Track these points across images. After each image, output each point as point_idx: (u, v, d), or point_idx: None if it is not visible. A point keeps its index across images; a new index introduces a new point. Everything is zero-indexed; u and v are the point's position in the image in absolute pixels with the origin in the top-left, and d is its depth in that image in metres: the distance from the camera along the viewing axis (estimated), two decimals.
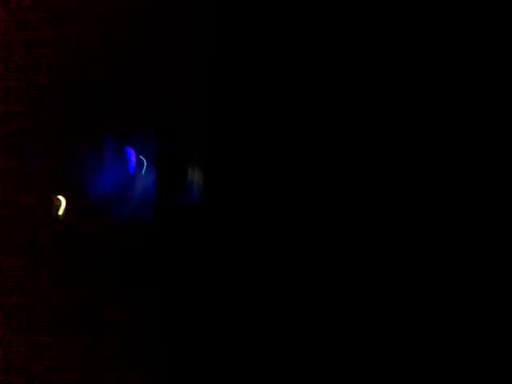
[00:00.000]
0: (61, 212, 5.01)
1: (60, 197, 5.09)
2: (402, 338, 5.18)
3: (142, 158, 5.16)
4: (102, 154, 5.13)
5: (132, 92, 5.20)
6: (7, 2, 5.29)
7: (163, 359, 5.07)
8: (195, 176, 5.13)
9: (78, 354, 5.04)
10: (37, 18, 5.16)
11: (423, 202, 5.45)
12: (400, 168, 5.49)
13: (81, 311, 5.18)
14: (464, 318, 5.16)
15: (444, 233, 5.37)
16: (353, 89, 5.56)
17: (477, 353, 5.05)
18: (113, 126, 5.14)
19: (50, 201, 5.03)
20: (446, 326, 5.18)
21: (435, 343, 5.15)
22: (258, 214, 4.99)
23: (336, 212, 5.52)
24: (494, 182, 5.31)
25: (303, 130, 5.61)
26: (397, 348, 5.13)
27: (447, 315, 5.20)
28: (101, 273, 4.91)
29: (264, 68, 5.58)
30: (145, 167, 5.19)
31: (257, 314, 5.10)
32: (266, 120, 5.61)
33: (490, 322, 5.11)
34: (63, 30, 5.03)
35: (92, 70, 5.14)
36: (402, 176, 5.47)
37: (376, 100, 5.54)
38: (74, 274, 4.92)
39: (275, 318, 5.13)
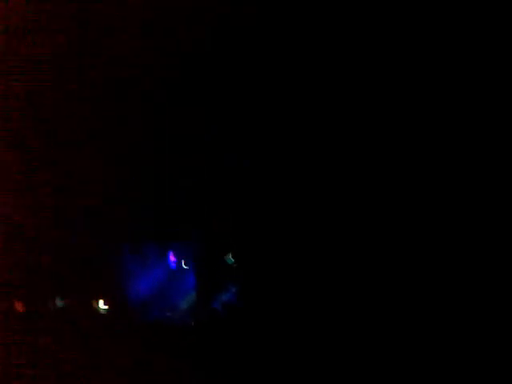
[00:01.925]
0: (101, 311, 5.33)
1: (99, 302, 5.41)
2: (402, 338, 5.18)
3: (182, 262, 5.44)
4: (143, 258, 5.41)
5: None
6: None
7: (162, 361, 5.07)
8: (234, 279, 5.37)
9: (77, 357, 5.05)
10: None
11: (423, 202, 5.45)
12: (400, 168, 5.50)
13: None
14: (464, 318, 5.16)
15: (444, 233, 5.37)
16: (352, 89, 5.56)
17: (477, 353, 5.05)
18: (154, 230, 5.40)
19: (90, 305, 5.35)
20: (446, 326, 5.18)
21: (435, 343, 5.15)
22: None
23: (336, 211, 5.52)
24: (494, 182, 5.31)
25: (303, 130, 5.61)
26: (397, 348, 5.13)
27: (447, 315, 5.20)
28: None
29: (264, 69, 5.59)
30: (184, 270, 5.46)
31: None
32: (265, 120, 5.62)
33: (490, 322, 5.11)
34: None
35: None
36: (401, 176, 5.47)
37: (376, 101, 5.54)
38: None
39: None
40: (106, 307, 5.34)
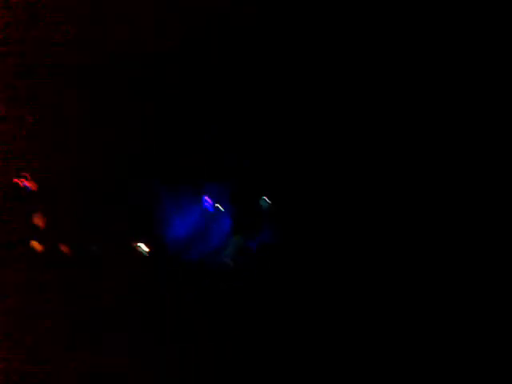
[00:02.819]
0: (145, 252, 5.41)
1: (141, 244, 5.47)
2: (402, 338, 5.18)
3: (217, 204, 5.53)
4: (179, 201, 5.50)
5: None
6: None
7: (163, 362, 5.08)
8: (268, 219, 5.49)
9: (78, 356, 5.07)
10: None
11: (423, 202, 5.45)
12: (400, 168, 5.50)
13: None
14: (464, 318, 5.16)
15: (444, 233, 5.37)
16: (352, 89, 5.56)
17: (476, 353, 5.05)
18: (189, 172, 5.50)
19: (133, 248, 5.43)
20: (446, 326, 5.18)
21: (435, 343, 5.15)
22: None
23: (336, 212, 5.52)
24: (493, 182, 5.32)
25: (302, 131, 5.61)
26: (397, 348, 5.14)
27: (447, 315, 5.21)
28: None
29: (263, 69, 5.59)
30: (220, 212, 5.55)
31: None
32: (264, 120, 5.61)
33: (490, 322, 5.12)
34: None
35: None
36: (401, 176, 5.48)
37: (375, 101, 5.54)
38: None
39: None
40: (148, 250, 5.45)
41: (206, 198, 5.51)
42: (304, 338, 5.15)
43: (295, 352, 5.12)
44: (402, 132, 5.41)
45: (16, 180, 5.32)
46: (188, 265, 5.42)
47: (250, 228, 5.47)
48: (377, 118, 5.49)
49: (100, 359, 5.07)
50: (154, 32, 5.46)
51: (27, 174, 5.33)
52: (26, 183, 5.32)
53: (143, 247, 5.42)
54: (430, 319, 5.16)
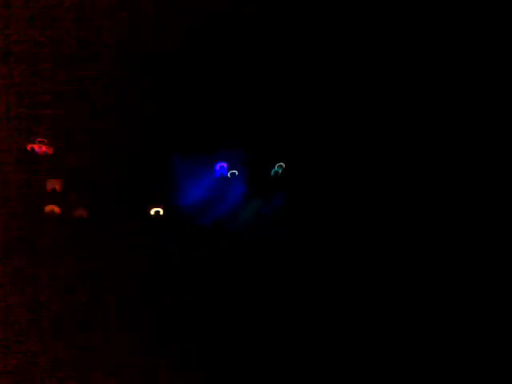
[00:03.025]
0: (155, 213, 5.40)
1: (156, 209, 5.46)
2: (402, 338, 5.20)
3: (230, 170, 5.53)
4: (192, 166, 5.49)
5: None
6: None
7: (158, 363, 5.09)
8: (279, 184, 5.49)
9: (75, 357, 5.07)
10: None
11: (423, 203, 5.47)
12: (400, 169, 5.51)
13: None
14: (464, 318, 5.18)
15: (444, 233, 5.39)
16: (352, 90, 5.57)
17: (477, 353, 5.07)
18: (202, 138, 5.49)
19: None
20: (446, 326, 5.20)
21: (435, 343, 5.16)
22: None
23: (336, 213, 5.54)
24: (493, 182, 5.33)
25: (303, 130, 5.62)
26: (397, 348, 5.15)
27: (447, 315, 5.22)
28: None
29: (263, 69, 5.60)
30: (233, 177, 5.53)
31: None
32: (264, 120, 5.62)
33: (490, 322, 5.13)
34: None
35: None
36: (401, 177, 5.49)
37: (376, 101, 5.56)
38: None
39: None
40: (155, 211, 5.44)
41: (220, 163, 5.52)
42: (307, 333, 5.17)
43: (297, 348, 5.14)
44: (406, 136, 5.44)
45: (31, 145, 5.33)
46: (202, 227, 5.44)
47: (264, 193, 5.48)
48: (379, 119, 5.51)
49: (100, 359, 5.07)
50: (154, 32, 5.46)
51: (43, 140, 5.33)
52: (41, 149, 5.33)
53: (156, 211, 5.42)
54: (433, 322, 5.18)
